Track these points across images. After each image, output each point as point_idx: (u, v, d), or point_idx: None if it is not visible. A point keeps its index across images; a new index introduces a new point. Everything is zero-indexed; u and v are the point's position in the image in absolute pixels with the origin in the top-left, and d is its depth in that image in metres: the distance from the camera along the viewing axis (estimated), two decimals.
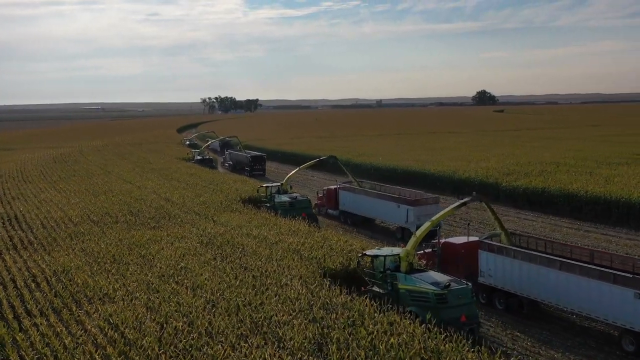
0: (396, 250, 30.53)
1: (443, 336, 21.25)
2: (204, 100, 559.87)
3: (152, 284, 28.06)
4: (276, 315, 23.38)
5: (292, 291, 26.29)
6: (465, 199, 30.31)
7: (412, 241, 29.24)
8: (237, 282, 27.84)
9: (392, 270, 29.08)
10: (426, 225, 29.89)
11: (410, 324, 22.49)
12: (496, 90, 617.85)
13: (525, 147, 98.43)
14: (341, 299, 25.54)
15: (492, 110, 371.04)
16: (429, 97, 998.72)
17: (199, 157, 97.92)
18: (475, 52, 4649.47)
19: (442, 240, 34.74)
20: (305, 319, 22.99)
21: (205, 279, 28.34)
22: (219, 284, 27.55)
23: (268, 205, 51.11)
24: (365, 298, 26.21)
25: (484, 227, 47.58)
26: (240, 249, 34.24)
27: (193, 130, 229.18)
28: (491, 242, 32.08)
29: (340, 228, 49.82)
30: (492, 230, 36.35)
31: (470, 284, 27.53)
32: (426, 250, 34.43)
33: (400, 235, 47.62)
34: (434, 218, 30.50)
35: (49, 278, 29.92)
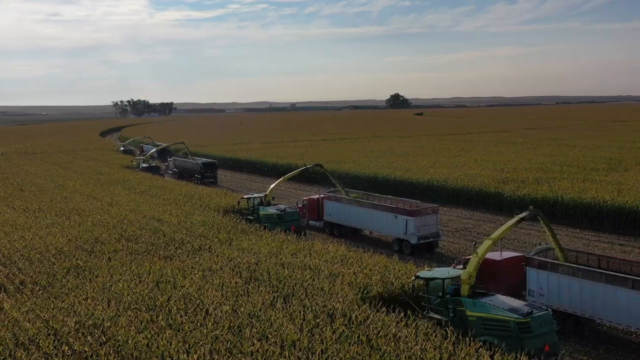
0: (454, 271, 27.53)
1: None
2: (115, 104, 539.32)
3: (227, 341, 21.93)
4: None
5: (417, 347, 21.03)
6: (524, 214, 27.58)
7: (473, 261, 26.12)
8: (333, 335, 22.22)
9: (451, 294, 25.99)
10: (487, 243, 26.92)
11: None
12: (404, 94, 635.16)
13: (489, 152, 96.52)
14: (483, 352, 20.57)
15: (413, 114, 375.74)
16: (341, 100, 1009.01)
17: (145, 165, 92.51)
18: (382, 56, 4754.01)
19: None
20: None
21: (291, 331, 22.49)
22: (316, 339, 21.82)
23: (251, 217, 47.46)
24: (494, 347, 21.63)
25: (503, 242, 43.95)
26: (298, 286, 28.45)
27: (115, 135, 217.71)
28: (543, 259, 29.52)
29: (333, 241, 44.63)
30: (541, 245, 34.22)
31: (550, 309, 24.78)
32: (457, 267, 31.16)
33: (398, 248, 44.06)
34: (494, 235, 27.48)
35: (81, 336, 22.98)
